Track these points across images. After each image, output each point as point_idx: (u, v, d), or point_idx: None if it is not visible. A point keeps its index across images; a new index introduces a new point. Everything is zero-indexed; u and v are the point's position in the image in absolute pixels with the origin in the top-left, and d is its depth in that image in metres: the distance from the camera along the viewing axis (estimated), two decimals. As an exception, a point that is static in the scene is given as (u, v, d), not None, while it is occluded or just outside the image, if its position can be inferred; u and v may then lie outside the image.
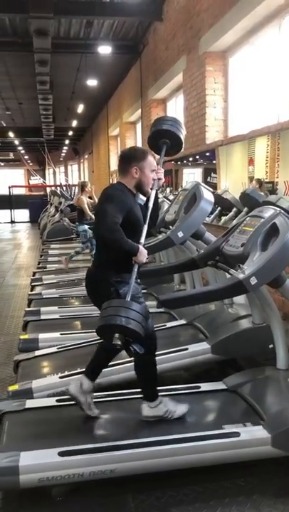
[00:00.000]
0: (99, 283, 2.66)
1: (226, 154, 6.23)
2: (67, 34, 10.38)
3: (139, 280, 2.69)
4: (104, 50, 10.18)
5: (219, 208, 6.50)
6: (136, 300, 2.54)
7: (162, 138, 3.01)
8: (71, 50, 10.93)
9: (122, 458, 2.40)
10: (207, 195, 3.52)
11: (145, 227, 2.69)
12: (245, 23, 5.47)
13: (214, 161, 6.69)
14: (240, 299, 4.16)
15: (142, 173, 2.66)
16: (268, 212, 2.73)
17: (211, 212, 6.71)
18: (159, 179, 2.82)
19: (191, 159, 10.10)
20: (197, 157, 9.81)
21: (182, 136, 3.03)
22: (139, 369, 2.73)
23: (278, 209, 2.70)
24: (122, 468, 2.39)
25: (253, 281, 2.39)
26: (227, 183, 6.80)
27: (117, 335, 2.30)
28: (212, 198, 3.57)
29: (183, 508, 2.29)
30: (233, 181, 6.35)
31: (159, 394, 2.75)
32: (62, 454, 2.38)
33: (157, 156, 3.03)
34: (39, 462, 2.34)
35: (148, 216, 2.72)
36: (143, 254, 2.54)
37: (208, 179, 8.47)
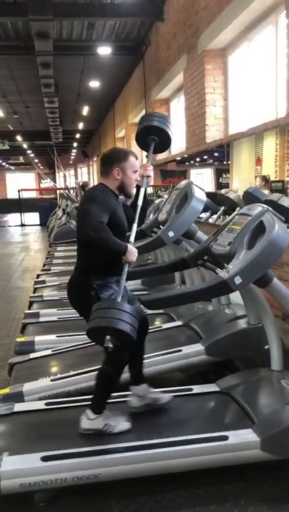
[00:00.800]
0: (79, 288, 2.60)
1: (235, 154, 6.17)
2: (69, 36, 10.40)
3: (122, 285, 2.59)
4: (106, 51, 10.17)
5: (224, 208, 6.44)
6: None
7: (150, 134, 2.95)
8: (74, 52, 10.96)
9: (106, 463, 2.35)
10: (198, 194, 3.46)
11: (134, 226, 2.65)
12: (242, 20, 5.41)
13: (225, 162, 6.65)
14: (238, 299, 4.10)
15: (124, 175, 2.61)
16: (256, 209, 2.66)
17: (215, 212, 6.70)
18: (148, 176, 2.79)
19: (198, 159, 10.05)
20: (205, 157, 9.76)
21: (170, 133, 2.97)
22: (99, 376, 2.59)
23: (266, 206, 2.63)
24: (106, 473, 2.34)
25: (238, 280, 2.33)
26: (236, 183, 6.75)
27: (108, 337, 2.25)
28: (204, 197, 3.51)
29: (169, 513, 2.24)
30: (241, 181, 6.29)
31: None
32: (45, 458, 2.34)
33: (144, 158, 2.99)
34: (21, 467, 2.30)
35: (137, 214, 2.68)
36: (133, 253, 2.48)
37: (220, 180, 8.41)
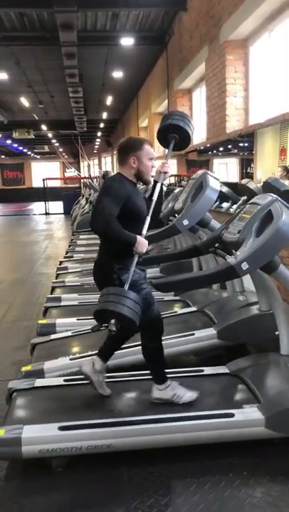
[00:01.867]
0: (103, 270, 2.78)
1: (258, 144, 6.20)
2: (94, 27, 10.51)
3: (142, 268, 2.77)
4: (131, 42, 10.25)
5: (244, 198, 6.50)
6: (139, 286, 2.65)
7: (171, 132, 3.04)
8: (99, 43, 11.06)
9: (118, 434, 2.53)
10: (213, 183, 3.57)
11: (148, 219, 2.76)
12: (263, 11, 5.44)
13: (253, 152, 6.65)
14: (251, 286, 4.21)
15: (140, 163, 2.71)
16: (266, 199, 2.78)
17: (236, 202, 6.76)
18: (165, 173, 2.88)
19: (222, 149, 10.06)
20: (229, 147, 9.74)
21: (190, 131, 3.05)
22: (146, 354, 2.83)
23: (275, 196, 2.74)
24: (118, 444, 2.52)
25: (245, 266, 2.46)
26: (260, 173, 6.77)
27: (113, 321, 2.41)
28: (218, 187, 3.62)
29: (174, 482, 2.41)
30: (265, 171, 6.33)
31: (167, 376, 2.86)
32: (62, 428, 2.53)
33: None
34: (40, 435, 2.50)
35: (151, 208, 2.80)
36: (142, 245, 2.60)
37: (248, 170, 8.38)
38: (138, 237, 2.61)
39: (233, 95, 6.56)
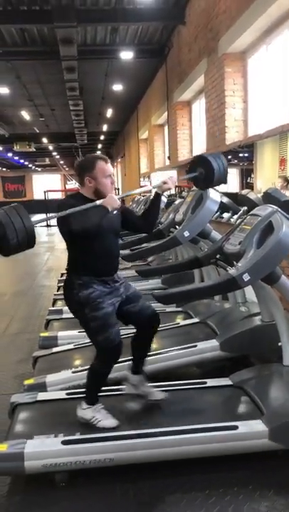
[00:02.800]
0: (66, 287, 2.75)
1: (258, 154, 6.23)
2: (93, 41, 10.63)
3: (109, 284, 2.70)
4: (130, 55, 10.37)
5: (245, 208, 6.52)
6: (96, 305, 2.59)
7: (201, 166, 3.12)
8: (99, 56, 11.18)
9: (120, 448, 2.52)
10: (213, 195, 3.59)
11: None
12: (261, 24, 5.51)
13: (253, 162, 6.68)
14: (253, 296, 4.21)
15: (96, 182, 2.66)
16: (266, 210, 2.79)
17: (236, 213, 6.78)
18: (168, 188, 2.87)
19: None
20: (229, 157, 9.81)
21: (216, 171, 3.08)
22: (89, 371, 2.77)
23: (275, 207, 2.75)
24: (120, 458, 2.50)
25: (246, 277, 2.46)
26: (260, 183, 6.80)
27: None
28: (218, 198, 3.64)
29: (178, 496, 2.38)
30: (264, 181, 6.36)
31: (169, 389, 2.90)
32: (65, 442, 2.52)
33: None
34: (43, 449, 2.48)
35: (147, 219, 2.87)
36: (110, 200, 2.56)
37: (249, 180, 8.42)
38: (98, 201, 2.58)
39: (232, 107, 6.61)
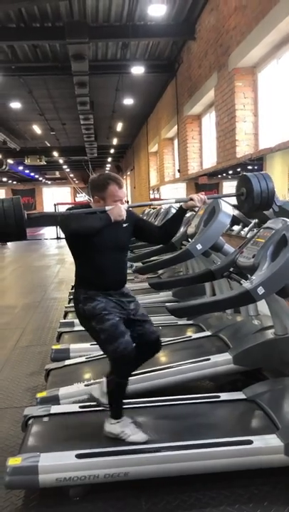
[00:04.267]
0: (74, 301, 2.78)
1: (267, 166, 6.25)
2: (104, 56, 10.78)
3: (114, 297, 2.72)
4: (141, 70, 10.50)
5: (255, 221, 6.53)
6: (102, 317, 2.60)
7: (244, 186, 2.99)
8: (109, 71, 11.32)
9: (135, 462, 2.51)
10: (226, 208, 3.61)
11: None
12: (271, 39, 5.56)
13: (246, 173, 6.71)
14: (266, 310, 4.20)
15: (104, 203, 2.67)
16: (280, 223, 2.80)
17: (246, 225, 6.79)
18: (193, 206, 2.85)
19: (231, 172, 10.14)
20: (238, 170, 9.87)
21: (256, 193, 2.85)
22: (108, 385, 2.72)
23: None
24: (135, 472, 2.50)
25: (261, 291, 2.46)
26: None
27: None
28: (230, 211, 3.65)
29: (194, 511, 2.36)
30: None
31: (182, 403, 2.88)
32: (79, 456, 2.51)
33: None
34: (57, 463, 2.48)
35: (166, 231, 2.88)
36: (116, 210, 2.57)
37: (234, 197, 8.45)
38: (105, 208, 2.60)
39: (242, 120, 6.65)
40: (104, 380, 2.80)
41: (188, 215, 5.42)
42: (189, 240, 3.73)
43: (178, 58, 10.48)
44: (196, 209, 4.23)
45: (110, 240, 2.67)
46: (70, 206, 2.84)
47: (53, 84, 12.44)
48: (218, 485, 2.54)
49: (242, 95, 6.64)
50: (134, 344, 2.64)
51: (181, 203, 2.87)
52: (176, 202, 3.01)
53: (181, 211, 2.86)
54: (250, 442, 2.58)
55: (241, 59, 6.34)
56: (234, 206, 5.26)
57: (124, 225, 2.74)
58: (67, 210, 2.78)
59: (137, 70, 10.48)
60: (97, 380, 3.28)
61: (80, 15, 8.20)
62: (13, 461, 2.47)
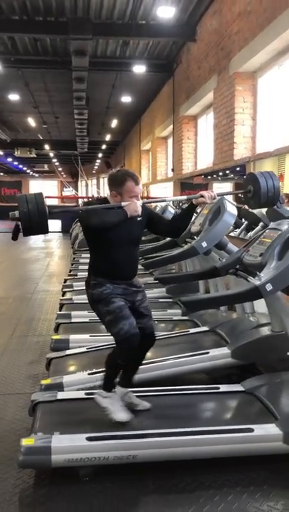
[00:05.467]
0: (86, 286, 2.91)
1: (256, 169, 6.43)
2: (104, 53, 10.87)
3: (122, 286, 2.84)
4: (139, 69, 10.61)
5: (247, 222, 6.70)
6: (108, 300, 2.75)
7: (251, 183, 3.10)
8: (107, 68, 11.42)
9: (143, 445, 2.63)
10: (230, 208, 3.75)
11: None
12: (274, 46, 5.73)
13: (245, 176, 6.89)
14: (261, 308, 4.36)
15: (121, 198, 2.77)
16: (286, 225, 2.95)
17: (239, 227, 6.96)
18: (203, 202, 2.97)
19: (221, 174, 10.33)
20: (227, 172, 10.06)
21: (263, 191, 3.00)
22: (107, 358, 2.88)
23: (295, 223, 2.91)
24: (143, 455, 2.62)
25: (269, 287, 2.61)
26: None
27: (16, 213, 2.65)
28: (235, 211, 3.79)
29: (197, 493, 2.49)
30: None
31: (184, 393, 3.02)
32: (89, 438, 2.62)
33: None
34: (69, 445, 2.59)
35: (175, 225, 3.01)
36: (132, 205, 2.68)
37: (241, 195, 8.65)
38: (121, 204, 2.72)
39: (241, 124, 6.82)
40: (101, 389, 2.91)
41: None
42: (195, 237, 3.87)
43: (176, 58, 10.62)
44: (199, 209, 4.38)
45: (125, 234, 2.80)
46: (87, 201, 2.97)
47: (51, 78, 12.48)
48: (220, 469, 2.68)
49: (242, 99, 6.81)
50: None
51: (191, 199, 3.00)
52: (187, 199, 3.13)
53: (192, 207, 2.99)
54: (251, 430, 2.72)
55: (243, 64, 6.51)
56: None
57: (139, 219, 2.86)
58: (84, 204, 2.89)
59: (138, 68, 10.60)
60: (102, 372, 3.42)
61: (83, 11, 8.27)
62: (27, 442, 2.57)
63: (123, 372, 2.98)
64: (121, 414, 2.78)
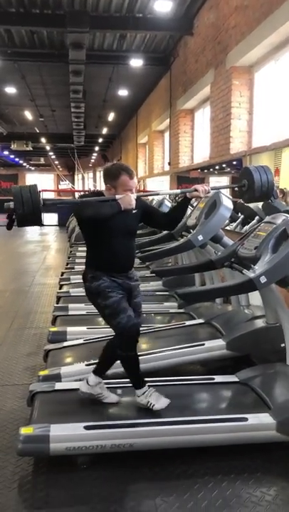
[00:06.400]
0: (83, 279, 2.95)
1: (253, 163, 6.47)
2: (101, 46, 10.84)
3: (119, 279, 2.88)
4: (136, 62, 10.60)
5: (242, 216, 6.75)
6: (106, 294, 2.80)
7: (245, 178, 3.14)
8: (104, 62, 11.39)
9: (140, 434, 2.69)
10: (226, 202, 3.80)
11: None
12: (271, 41, 5.75)
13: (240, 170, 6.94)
14: (256, 301, 4.42)
15: (116, 192, 2.81)
16: (280, 219, 3.00)
17: (235, 220, 7.01)
18: (197, 196, 3.01)
19: (217, 168, 10.36)
20: (224, 165, 10.09)
21: (257, 185, 3.04)
22: (121, 362, 2.93)
23: (289, 216, 2.96)
24: (140, 444, 2.68)
25: (263, 279, 2.66)
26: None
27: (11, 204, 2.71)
28: (231, 205, 3.84)
29: (193, 480, 2.56)
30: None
31: (179, 383, 3.08)
32: (87, 427, 2.68)
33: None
34: (67, 433, 2.65)
35: (170, 218, 3.05)
36: (126, 199, 2.71)
37: (235, 188, 8.70)
38: (115, 196, 2.76)
39: (237, 118, 6.85)
40: (90, 375, 3.00)
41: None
42: (191, 230, 3.91)
43: (174, 52, 10.61)
44: (195, 203, 4.43)
45: (120, 226, 2.84)
46: (82, 194, 3.01)
47: (47, 71, 12.44)
48: (215, 458, 2.75)
49: (238, 93, 6.83)
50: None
51: (186, 193, 3.05)
52: (181, 193, 3.17)
53: (186, 200, 3.03)
54: (245, 419, 2.79)
55: (240, 58, 6.53)
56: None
57: (134, 212, 2.89)
58: (79, 197, 2.93)
59: (136, 62, 10.60)
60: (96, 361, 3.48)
61: (80, 4, 8.26)
62: (26, 430, 2.62)
63: (103, 364, 3.04)
64: (163, 401, 2.84)
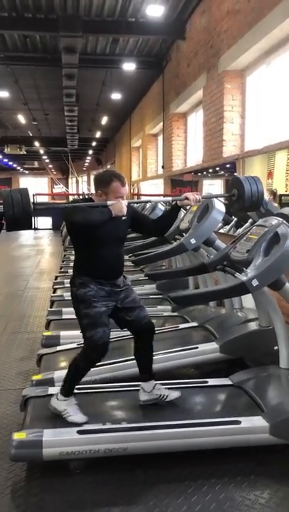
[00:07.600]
0: (70, 285, 2.92)
1: (247, 166, 6.50)
2: (94, 50, 10.88)
3: (106, 287, 2.85)
4: (129, 66, 10.64)
5: (236, 219, 6.79)
6: (90, 304, 2.76)
7: (235, 187, 3.14)
8: (97, 65, 11.43)
9: (133, 438, 2.69)
10: (219, 205, 3.81)
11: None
12: (262, 45, 5.80)
13: (235, 173, 6.97)
14: (249, 304, 4.44)
15: (106, 198, 2.80)
16: (272, 222, 3.01)
17: (228, 223, 7.04)
18: (188, 205, 3.04)
19: (211, 171, 10.39)
20: (217, 169, 10.14)
21: (247, 195, 3.05)
22: (70, 364, 2.89)
23: (281, 219, 2.98)
24: (133, 448, 2.67)
25: (255, 283, 2.67)
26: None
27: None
28: (223, 209, 3.86)
29: (186, 483, 2.56)
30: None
31: (173, 387, 3.06)
32: (80, 432, 2.68)
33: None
34: (60, 438, 2.64)
35: (160, 224, 3.05)
36: (118, 206, 2.71)
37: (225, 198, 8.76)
38: (107, 202, 2.75)
39: (230, 122, 6.88)
40: (58, 392, 2.90)
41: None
42: (184, 234, 3.93)
43: (166, 56, 10.66)
44: (188, 207, 4.44)
45: (110, 232, 2.82)
46: (73, 199, 2.99)
47: (40, 75, 12.46)
48: (208, 461, 2.74)
49: (230, 97, 6.87)
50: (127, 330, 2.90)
51: (176, 201, 3.05)
52: (172, 200, 3.17)
53: (176, 208, 3.03)
54: (238, 422, 2.79)
55: (231, 62, 6.57)
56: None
57: (124, 218, 2.88)
58: (70, 202, 2.93)
59: (128, 66, 10.64)
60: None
61: (73, 8, 8.28)
62: (19, 436, 2.61)
63: (140, 367, 3.03)
64: (79, 416, 2.78)
